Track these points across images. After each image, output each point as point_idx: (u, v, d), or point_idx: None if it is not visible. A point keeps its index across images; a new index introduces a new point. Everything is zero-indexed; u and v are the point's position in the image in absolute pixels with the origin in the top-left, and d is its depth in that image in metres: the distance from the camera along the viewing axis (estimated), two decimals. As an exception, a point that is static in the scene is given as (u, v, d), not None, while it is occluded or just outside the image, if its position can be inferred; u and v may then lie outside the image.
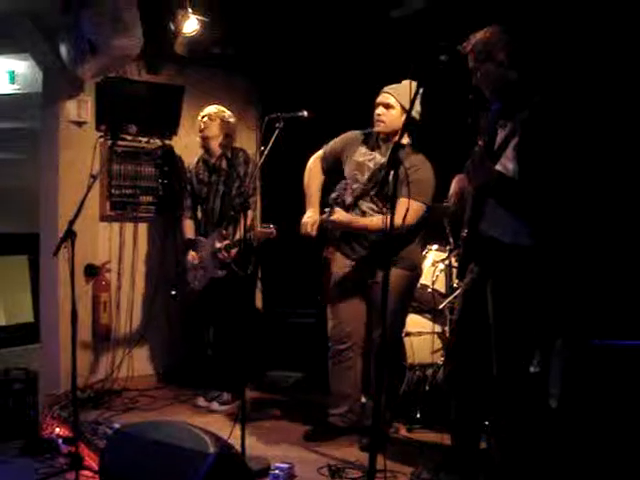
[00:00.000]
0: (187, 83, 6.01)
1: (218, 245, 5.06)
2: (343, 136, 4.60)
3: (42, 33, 5.20)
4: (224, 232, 5.09)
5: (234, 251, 5.03)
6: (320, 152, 4.63)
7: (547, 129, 3.22)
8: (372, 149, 4.45)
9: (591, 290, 3.96)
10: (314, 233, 4.41)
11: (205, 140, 5.25)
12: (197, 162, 5.39)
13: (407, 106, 4.19)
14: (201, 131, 5.25)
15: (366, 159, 4.43)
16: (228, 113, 5.30)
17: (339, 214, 4.30)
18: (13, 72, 5.80)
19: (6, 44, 5.43)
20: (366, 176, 4.39)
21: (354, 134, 4.57)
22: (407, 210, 3.60)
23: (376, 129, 4.40)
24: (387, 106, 4.34)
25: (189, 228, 5.40)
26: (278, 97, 5.96)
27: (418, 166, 4.22)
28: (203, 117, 5.24)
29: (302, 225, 4.43)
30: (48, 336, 5.50)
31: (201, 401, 5.26)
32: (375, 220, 4.23)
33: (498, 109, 3.41)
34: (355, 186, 4.41)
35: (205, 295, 5.30)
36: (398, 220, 3.94)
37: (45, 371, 5.40)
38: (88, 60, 4.88)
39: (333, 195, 4.50)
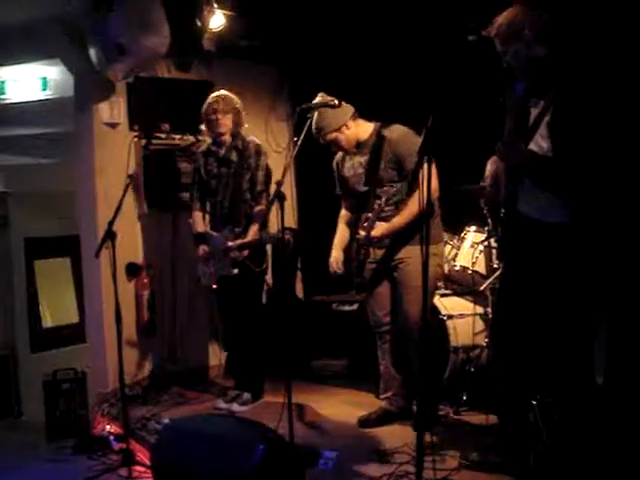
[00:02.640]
0: (216, 78, 6.02)
1: (230, 244, 4.91)
2: (333, 166, 4.69)
3: (71, 38, 5.26)
4: (236, 230, 4.96)
5: (246, 252, 4.92)
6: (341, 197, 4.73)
7: (579, 105, 3.19)
8: (353, 158, 4.50)
9: (633, 267, 3.91)
10: (340, 271, 4.54)
11: (217, 134, 5.02)
12: (204, 152, 5.17)
13: (333, 125, 4.36)
14: (215, 127, 4.98)
15: (356, 170, 4.48)
16: (236, 99, 5.06)
17: (377, 229, 4.31)
18: (45, 78, 5.87)
19: (37, 50, 5.50)
20: (363, 185, 4.43)
21: (337, 157, 4.66)
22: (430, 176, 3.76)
23: (351, 155, 4.50)
24: (334, 142, 4.44)
25: (198, 221, 5.21)
26: (309, 87, 5.93)
27: (408, 135, 4.28)
28: (214, 111, 4.94)
29: (329, 265, 4.59)
30: (94, 336, 5.59)
31: (220, 403, 5.11)
32: (410, 208, 4.21)
33: (525, 88, 3.38)
34: (373, 201, 4.40)
35: (219, 292, 5.24)
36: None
37: (93, 370, 5.51)
38: (117, 62, 4.93)
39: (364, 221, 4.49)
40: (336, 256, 4.60)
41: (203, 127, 5.13)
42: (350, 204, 4.65)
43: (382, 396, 4.66)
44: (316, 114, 4.34)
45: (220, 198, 5.10)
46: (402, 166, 4.24)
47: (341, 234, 4.67)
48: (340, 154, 4.62)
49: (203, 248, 5.10)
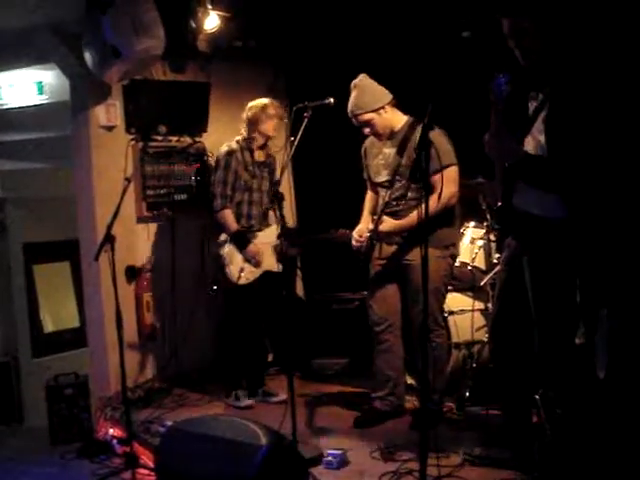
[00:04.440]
0: (212, 79, 6.01)
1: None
2: (361, 151, 4.65)
3: (65, 42, 5.25)
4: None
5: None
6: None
7: (577, 99, 3.18)
8: (382, 147, 4.48)
9: (633, 258, 3.91)
10: (360, 244, 4.45)
11: (268, 137, 5.19)
12: (241, 151, 5.15)
13: (372, 105, 4.31)
14: (275, 131, 5.19)
15: (378, 161, 4.48)
16: None
17: (385, 224, 4.32)
18: (41, 83, 5.88)
19: (31, 55, 5.50)
20: (385, 176, 4.43)
21: (366, 142, 4.61)
22: (447, 179, 3.95)
23: (382, 140, 4.46)
24: (366, 123, 4.37)
25: (233, 219, 5.12)
26: (305, 86, 5.95)
27: (434, 135, 4.22)
28: (280, 117, 5.17)
29: (352, 241, 4.52)
30: (95, 339, 5.58)
31: (245, 400, 5.20)
32: (422, 210, 4.20)
33: (507, 81, 3.34)
34: (384, 193, 4.45)
35: (258, 289, 5.19)
36: (441, 194, 4.01)
37: (94, 374, 5.51)
38: (112, 65, 4.92)
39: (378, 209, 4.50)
40: (360, 227, 4.55)
41: (245, 127, 5.16)
42: (372, 191, 4.66)
43: (373, 395, 4.65)
44: (355, 92, 4.33)
45: (256, 198, 5.17)
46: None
47: (367, 212, 4.66)
48: (369, 141, 4.58)
49: (257, 247, 5.11)
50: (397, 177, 4.33)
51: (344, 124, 4.59)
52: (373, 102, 4.33)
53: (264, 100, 5.16)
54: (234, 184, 5.12)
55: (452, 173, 4.24)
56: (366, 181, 4.67)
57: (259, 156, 5.21)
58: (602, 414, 3.54)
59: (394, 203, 4.35)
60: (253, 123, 5.10)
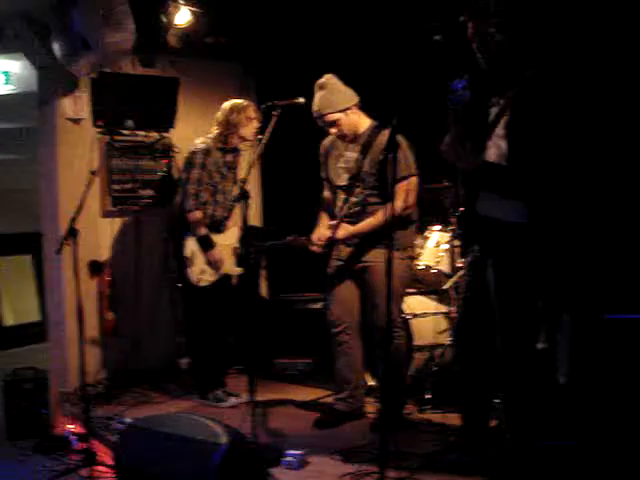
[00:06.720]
0: (182, 74, 5.99)
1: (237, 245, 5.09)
2: (321, 149, 4.60)
3: (34, 32, 5.19)
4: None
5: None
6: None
7: (538, 106, 3.20)
8: (343, 150, 4.45)
9: (596, 264, 3.96)
10: (320, 249, 4.42)
11: (246, 140, 5.09)
12: (213, 152, 5.03)
13: (340, 105, 4.27)
14: (254, 135, 4.99)
15: (340, 164, 4.46)
16: None
17: (342, 230, 4.31)
18: (8, 73, 5.80)
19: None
20: (345, 180, 4.42)
21: (326, 141, 4.57)
22: (409, 189, 3.98)
23: (345, 142, 4.42)
24: (333, 124, 4.32)
25: (204, 223, 5.05)
26: (274, 84, 5.94)
27: (400, 141, 4.18)
28: (253, 121, 4.99)
29: (310, 245, 4.48)
30: (55, 334, 5.52)
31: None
32: (378, 216, 4.20)
33: (464, 85, 3.36)
34: (343, 196, 4.43)
35: (216, 292, 5.14)
36: (402, 203, 4.02)
37: (54, 369, 5.44)
38: (82, 57, 4.88)
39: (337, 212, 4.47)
40: (319, 231, 4.49)
41: (220, 127, 5.02)
42: (330, 191, 4.62)
43: (334, 396, 4.67)
44: (322, 91, 4.28)
45: (220, 199, 5.08)
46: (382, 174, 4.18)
47: (324, 214, 4.62)
48: (329, 140, 4.54)
49: (219, 250, 5.06)
50: (357, 183, 4.32)
51: (312, 124, 4.59)
52: (341, 102, 4.30)
53: (243, 102, 5.04)
54: (205, 184, 5.02)
55: (414, 183, 4.26)
56: (323, 180, 4.65)
57: (229, 157, 5.13)
58: (562, 418, 3.58)
59: (352, 210, 4.34)
60: (233, 125, 4.97)
